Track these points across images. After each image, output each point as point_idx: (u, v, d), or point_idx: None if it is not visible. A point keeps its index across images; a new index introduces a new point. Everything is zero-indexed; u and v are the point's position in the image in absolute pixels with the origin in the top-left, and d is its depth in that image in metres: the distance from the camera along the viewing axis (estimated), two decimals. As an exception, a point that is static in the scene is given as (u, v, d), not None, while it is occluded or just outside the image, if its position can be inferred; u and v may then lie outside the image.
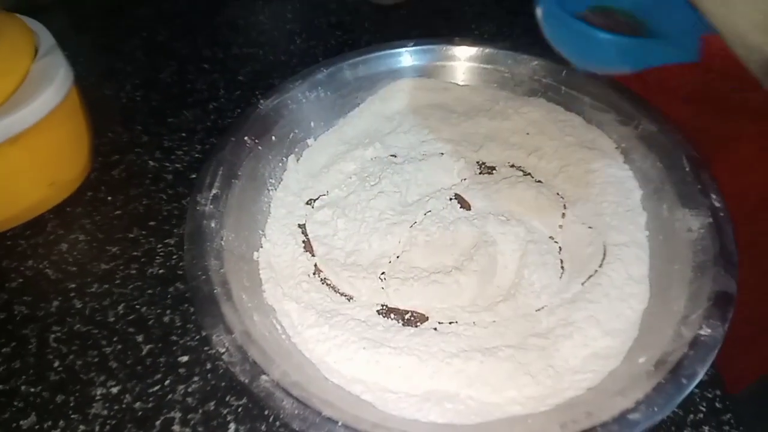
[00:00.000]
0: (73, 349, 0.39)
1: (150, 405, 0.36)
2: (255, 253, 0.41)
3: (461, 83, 0.53)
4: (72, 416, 0.36)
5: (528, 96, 0.51)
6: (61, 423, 0.35)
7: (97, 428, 0.35)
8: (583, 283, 0.39)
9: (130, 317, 0.41)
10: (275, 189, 0.46)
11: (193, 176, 0.50)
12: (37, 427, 0.35)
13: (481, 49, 0.52)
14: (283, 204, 0.45)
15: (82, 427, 0.35)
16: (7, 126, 0.39)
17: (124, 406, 0.36)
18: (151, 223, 0.47)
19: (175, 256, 0.44)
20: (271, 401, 0.30)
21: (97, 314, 0.41)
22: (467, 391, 0.34)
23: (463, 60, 0.53)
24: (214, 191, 0.41)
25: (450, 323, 0.38)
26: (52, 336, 0.40)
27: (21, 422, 0.35)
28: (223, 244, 0.38)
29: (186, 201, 0.48)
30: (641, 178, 0.44)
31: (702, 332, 0.32)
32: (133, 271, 0.43)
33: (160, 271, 0.43)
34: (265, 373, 0.31)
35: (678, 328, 0.33)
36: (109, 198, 0.48)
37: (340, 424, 0.29)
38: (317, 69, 0.49)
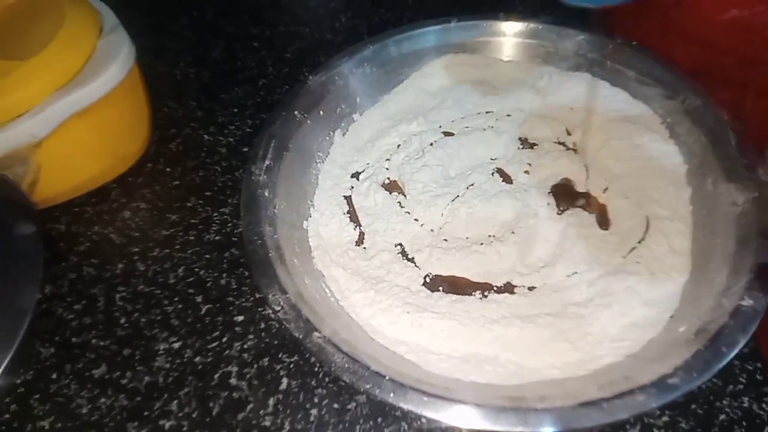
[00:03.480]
0: (137, 307, 0.42)
1: (209, 359, 0.39)
2: (305, 222, 0.43)
3: (505, 59, 0.53)
4: (138, 368, 0.39)
5: (572, 71, 0.51)
6: (129, 374, 0.38)
7: (160, 379, 0.38)
8: (624, 256, 0.40)
9: (190, 279, 0.43)
10: (323, 162, 0.48)
11: (245, 150, 0.52)
12: (107, 376, 0.38)
13: (525, 24, 0.52)
14: (330, 176, 0.47)
15: (147, 378, 0.38)
16: (75, 100, 0.42)
17: (185, 360, 0.39)
18: (207, 193, 0.49)
19: (230, 224, 0.47)
20: (322, 356, 0.33)
21: (159, 276, 0.44)
22: (506, 355, 0.36)
23: (506, 35, 0.53)
24: (267, 162, 0.42)
25: (491, 292, 0.39)
26: (118, 295, 0.43)
27: (93, 371, 0.39)
28: (275, 212, 0.41)
29: (239, 173, 0.50)
30: (686, 153, 0.44)
31: (743, 303, 0.32)
32: (192, 237, 0.46)
33: (216, 238, 0.46)
34: (317, 330, 0.33)
35: (719, 300, 0.34)
36: (168, 169, 0.51)
37: (387, 378, 0.31)
38: (363, 46, 0.51)
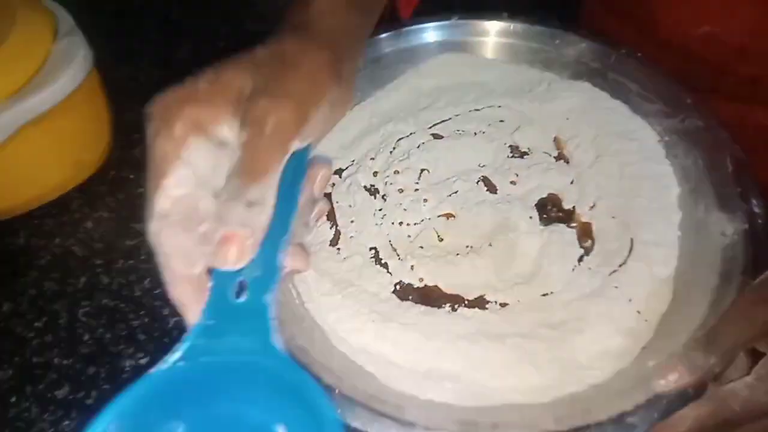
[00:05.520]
0: (102, 323, 0.41)
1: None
2: None
3: (505, 61, 0.51)
4: (104, 386, 0.38)
5: (572, 79, 0.49)
6: (94, 393, 0.38)
7: None
8: (603, 279, 0.38)
9: (156, 291, 0.43)
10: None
11: None
12: (71, 397, 0.38)
13: (528, 26, 0.50)
14: None
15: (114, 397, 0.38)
16: (30, 107, 0.41)
17: None
18: None
19: None
20: None
21: (124, 289, 0.43)
22: (469, 374, 0.35)
23: (508, 37, 0.51)
24: None
25: (462, 306, 0.38)
26: (82, 311, 0.42)
27: (56, 392, 0.38)
28: None
29: None
30: (681, 175, 0.42)
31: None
32: None
33: None
34: None
35: (694, 335, 0.32)
36: (132, 176, 0.50)
37: (336, 391, 0.30)
38: None
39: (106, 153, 0.51)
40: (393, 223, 0.42)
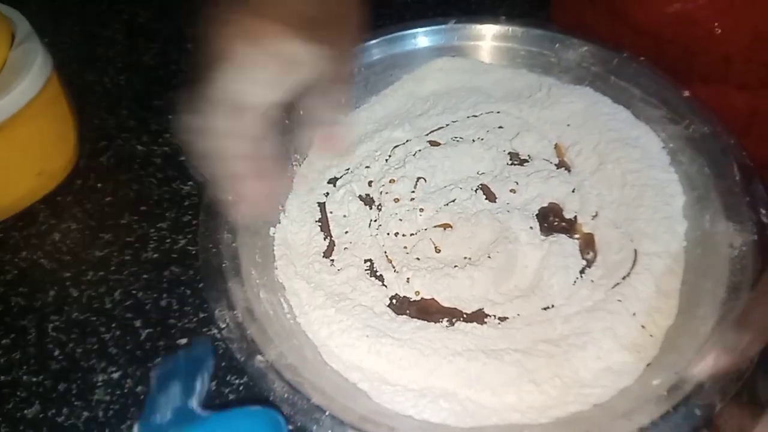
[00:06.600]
0: (72, 337, 0.40)
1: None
2: (272, 229, 0.41)
3: (504, 66, 0.50)
4: (75, 403, 0.37)
5: (573, 84, 0.47)
6: (65, 410, 0.36)
7: (100, 413, 0.36)
8: (606, 292, 0.37)
9: (127, 303, 0.41)
10: (299, 164, 0.45)
11: (182, 159, 0.50)
12: (41, 415, 0.36)
13: (526, 29, 0.48)
14: (306, 181, 0.45)
15: (86, 413, 0.36)
16: None
17: (126, 390, 0.37)
18: (143, 208, 0.47)
19: (168, 240, 0.45)
20: (263, 382, 0.31)
21: (94, 301, 0.41)
22: (466, 392, 0.33)
23: (506, 41, 0.49)
24: None
25: (459, 320, 0.37)
26: (51, 325, 0.40)
27: (25, 411, 0.36)
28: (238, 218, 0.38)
29: (176, 184, 0.48)
30: (686, 184, 0.40)
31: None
32: (128, 257, 0.44)
33: (155, 256, 0.44)
34: (260, 353, 0.31)
35: (701, 352, 0.31)
36: (99, 185, 0.49)
37: (327, 413, 0.29)
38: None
39: (72, 162, 0.49)
40: (388, 234, 0.41)
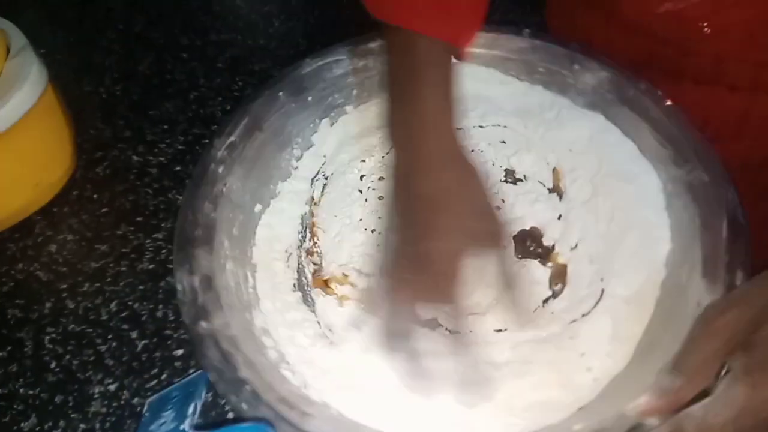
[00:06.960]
0: (68, 349, 0.41)
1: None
2: (258, 206, 0.42)
3: (520, 80, 0.46)
4: (72, 416, 0.38)
5: (586, 108, 0.44)
6: (62, 423, 0.38)
7: (97, 426, 0.38)
8: (563, 326, 0.37)
9: (124, 314, 0.42)
10: (300, 149, 0.46)
11: (178, 168, 0.49)
12: (38, 428, 0.38)
13: (548, 46, 0.45)
14: (308, 169, 0.45)
15: (82, 425, 0.38)
16: None
17: (122, 402, 0.39)
18: (138, 218, 0.47)
19: (164, 251, 0.45)
20: (200, 347, 0.32)
21: (91, 313, 0.42)
22: (395, 395, 0.34)
23: (526, 54, 0.46)
24: (232, 138, 0.41)
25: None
26: (47, 337, 0.41)
27: (22, 424, 0.38)
28: (224, 190, 0.39)
29: (172, 194, 0.48)
30: (675, 231, 0.38)
31: (648, 422, 0.29)
32: (124, 268, 0.44)
33: (150, 266, 0.44)
34: (205, 320, 0.33)
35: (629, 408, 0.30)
36: (95, 196, 0.48)
37: (248, 388, 0.30)
38: (371, 38, 0.45)
39: (69, 172, 0.48)
40: (366, 230, 0.42)
